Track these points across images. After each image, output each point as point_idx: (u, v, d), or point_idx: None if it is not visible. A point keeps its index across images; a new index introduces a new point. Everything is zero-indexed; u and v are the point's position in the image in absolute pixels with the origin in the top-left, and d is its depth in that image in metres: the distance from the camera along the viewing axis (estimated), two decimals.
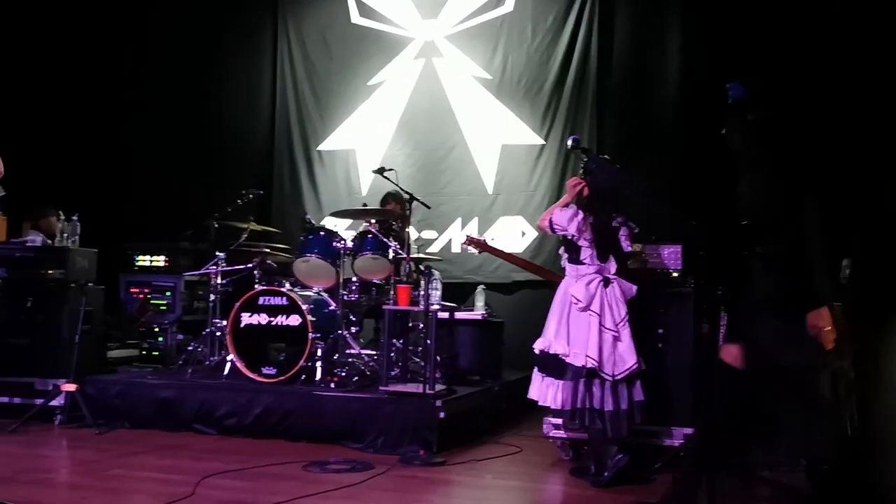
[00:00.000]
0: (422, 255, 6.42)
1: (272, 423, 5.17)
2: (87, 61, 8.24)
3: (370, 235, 5.83)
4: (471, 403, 5.46)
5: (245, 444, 5.04)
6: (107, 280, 6.37)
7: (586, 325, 4.23)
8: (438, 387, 5.11)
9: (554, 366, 4.29)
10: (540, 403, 4.42)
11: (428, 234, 7.57)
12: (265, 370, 5.48)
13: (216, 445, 4.99)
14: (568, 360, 4.23)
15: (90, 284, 5.89)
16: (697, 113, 6.61)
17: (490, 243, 5.61)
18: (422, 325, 5.66)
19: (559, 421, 4.65)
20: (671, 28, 6.97)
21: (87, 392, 5.46)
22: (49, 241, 6.09)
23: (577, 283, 4.31)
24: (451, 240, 7.56)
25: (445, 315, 5.78)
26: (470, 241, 5.52)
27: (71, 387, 5.37)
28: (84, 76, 8.23)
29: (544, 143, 7.37)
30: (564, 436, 4.71)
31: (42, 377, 5.62)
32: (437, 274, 5.31)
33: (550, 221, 4.43)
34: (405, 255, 5.74)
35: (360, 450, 4.82)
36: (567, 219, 4.35)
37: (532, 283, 7.16)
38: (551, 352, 4.30)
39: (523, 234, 7.34)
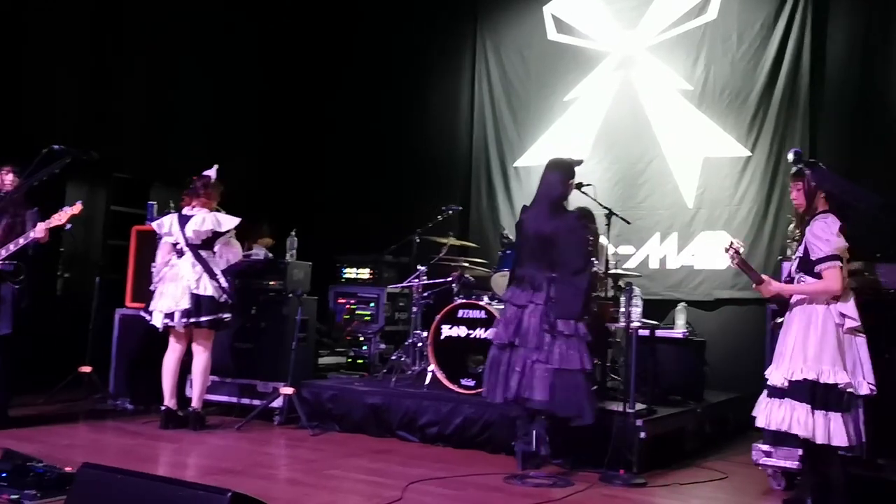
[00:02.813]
0: (620, 271, 6.32)
1: (472, 434, 5.30)
2: (296, 87, 8.90)
3: None
4: (673, 425, 5.31)
5: (446, 452, 5.20)
6: (318, 291, 6.83)
7: (857, 348, 3.83)
8: (639, 406, 5.01)
9: (831, 397, 3.78)
10: (819, 442, 3.76)
11: (625, 249, 7.44)
12: (464, 381, 5.62)
13: (420, 452, 5.18)
14: (850, 389, 3.77)
15: (305, 295, 6.32)
16: None
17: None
18: (622, 343, 5.58)
19: (769, 448, 4.41)
20: None
21: (303, 395, 5.86)
22: (270, 255, 6.63)
23: (846, 301, 3.84)
24: (648, 255, 7.40)
25: (646, 333, 5.67)
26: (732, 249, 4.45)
27: (289, 390, 5.78)
28: (295, 103, 8.89)
29: (750, 154, 7.04)
30: (779, 464, 4.45)
31: (263, 380, 6.10)
32: (637, 290, 5.22)
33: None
34: (603, 271, 5.68)
35: (560, 465, 4.82)
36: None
37: (736, 301, 6.87)
38: (831, 381, 3.75)
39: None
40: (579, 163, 4.94)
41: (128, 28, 7.52)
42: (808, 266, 3.90)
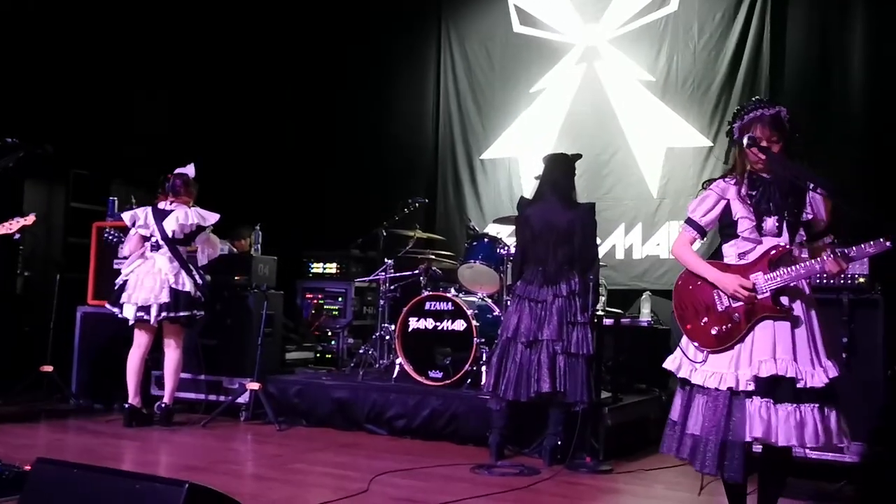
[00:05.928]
0: None
1: (440, 426, 5.29)
2: (257, 81, 8.82)
3: None
4: (637, 412, 5.36)
5: (414, 444, 5.19)
6: (285, 286, 6.78)
7: None
8: (604, 394, 5.05)
9: None
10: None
11: None
12: (432, 374, 5.62)
13: (387, 445, 5.17)
14: None
15: (271, 290, 6.27)
16: (889, 108, 6.20)
17: None
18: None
19: None
20: (854, 17, 6.53)
21: (269, 391, 5.81)
22: (235, 250, 6.56)
23: None
24: (614, 245, 7.44)
25: (610, 322, 5.71)
26: None
27: (255, 385, 5.73)
28: (257, 97, 8.82)
29: (712, 144, 7.10)
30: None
31: (229, 376, 6.04)
32: (601, 280, 5.25)
33: None
34: None
35: (527, 454, 4.84)
36: None
37: None
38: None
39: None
40: (579, 157, 5.09)
41: (86, 22, 7.40)
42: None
